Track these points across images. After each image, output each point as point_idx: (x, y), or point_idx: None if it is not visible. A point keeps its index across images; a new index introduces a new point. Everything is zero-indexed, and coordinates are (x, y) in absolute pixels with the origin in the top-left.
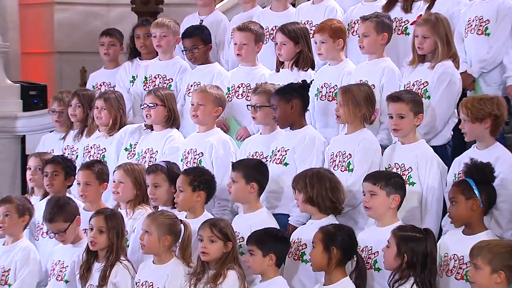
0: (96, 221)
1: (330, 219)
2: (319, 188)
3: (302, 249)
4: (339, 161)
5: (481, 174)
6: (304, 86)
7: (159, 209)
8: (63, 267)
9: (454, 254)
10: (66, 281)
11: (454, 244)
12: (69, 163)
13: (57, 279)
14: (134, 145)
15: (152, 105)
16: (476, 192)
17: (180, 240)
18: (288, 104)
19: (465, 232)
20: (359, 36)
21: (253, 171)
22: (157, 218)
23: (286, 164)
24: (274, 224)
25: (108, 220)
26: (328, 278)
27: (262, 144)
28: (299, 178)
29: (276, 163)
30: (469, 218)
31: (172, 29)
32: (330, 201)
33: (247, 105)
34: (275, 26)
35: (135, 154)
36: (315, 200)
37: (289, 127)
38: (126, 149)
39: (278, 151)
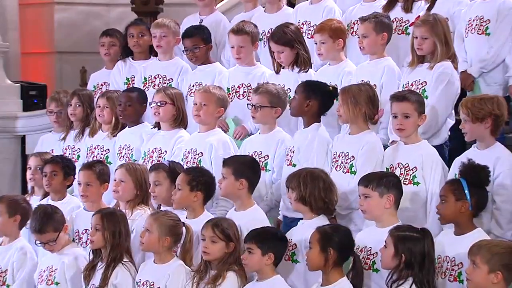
0: (93, 219)
1: (321, 219)
2: (312, 188)
3: (292, 249)
4: (342, 162)
5: (476, 177)
6: (332, 94)
7: (163, 210)
8: (52, 271)
9: (446, 256)
10: (57, 283)
11: (446, 245)
12: (68, 163)
13: (48, 284)
14: (125, 146)
15: (161, 103)
16: (467, 194)
17: (181, 243)
18: (305, 101)
19: (456, 232)
20: (358, 37)
21: (243, 168)
22: (159, 218)
23: (294, 165)
24: (266, 222)
25: (104, 219)
26: (325, 278)
27: (261, 143)
28: (292, 177)
29: (286, 164)
30: (457, 219)
31: (172, 30)
32: (323, 201)
33: (247, 104)
34: (271, 29)
35: (121, 153)
36: (307, 200)
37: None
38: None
39: (291, 150)
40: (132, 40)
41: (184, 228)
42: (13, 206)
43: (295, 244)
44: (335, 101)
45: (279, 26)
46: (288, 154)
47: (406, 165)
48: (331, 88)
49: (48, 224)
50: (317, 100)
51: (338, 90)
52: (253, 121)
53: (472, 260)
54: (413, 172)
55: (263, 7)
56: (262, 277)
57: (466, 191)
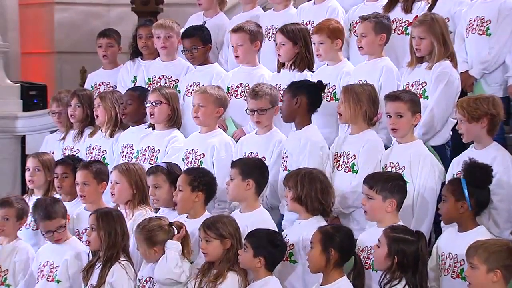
0: (90, 219)
1: (318, 219)
2: (309, 188)
3: (290, 249)
4: (343, 162)
5: (476, 176)
6: (317, 86)
7: (150, 216)
8: (53, 268)
9: (449, 253)
10: (58, 281)
11: (448, 242)
12: (78, 164)
13: (48, 280)
14: (128, 146)
15: (156, 103)
16: (466, 195)
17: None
18: (293, 100)
19: (459, 230)
20: (357, 36)
21: (250, 168)
22: (141, 232)
23: (289, 170)
24: (271, 224)
25: (99, 219)
26: (325, 278)
27: (258, 144)
28: (290, 176)
29: (282, 169)
30: (458, 219)
31: (176, 30)
32: (319, 202)
33: (246, 110)
34: (277, 26)
35: (123, 152)
36: (304, 200)
37: (294, 126)
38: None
39: (286, 155)
40: (141, 41)
41: (173, 228)
42: (22, 210)
43: (292, 244)
44: (335, 100)
45: (292, 22)
46: (283, 158)
47: (397, 164)
48: (316, 81)
49: (56, 210)
50: (304, 94)
51: (339, 89)
52: (259, 125)
53: (469, 262)
54: (402, 171)
55: (262, 7)
56: (255, 277)
57: (465, 192)
